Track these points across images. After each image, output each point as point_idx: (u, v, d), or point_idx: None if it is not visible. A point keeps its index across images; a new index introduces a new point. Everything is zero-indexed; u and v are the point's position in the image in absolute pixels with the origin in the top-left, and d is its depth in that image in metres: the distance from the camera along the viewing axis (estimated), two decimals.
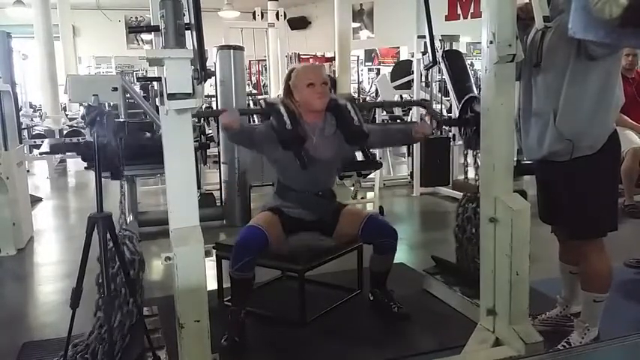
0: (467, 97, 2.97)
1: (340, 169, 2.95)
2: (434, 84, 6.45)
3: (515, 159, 2.92)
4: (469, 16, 10.67)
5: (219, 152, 4.94)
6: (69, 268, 3.72)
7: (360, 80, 15.21)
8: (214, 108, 5.38)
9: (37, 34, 10.91)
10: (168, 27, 1.78)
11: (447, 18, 10.87)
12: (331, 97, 2.71)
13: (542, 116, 2.25)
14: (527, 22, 2.20)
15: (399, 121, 7.93)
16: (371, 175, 5.32)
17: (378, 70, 15.38)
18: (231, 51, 4.78)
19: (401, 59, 12.99)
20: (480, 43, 2.25)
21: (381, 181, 5.98)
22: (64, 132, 8.72)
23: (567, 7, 1.85)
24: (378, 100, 8.22)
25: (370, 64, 16.43)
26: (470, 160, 3.11)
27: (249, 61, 11.25)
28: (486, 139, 2.24)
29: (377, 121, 7.00)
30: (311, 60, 13.63)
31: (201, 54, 1.74)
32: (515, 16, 2.09)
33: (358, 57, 15.16)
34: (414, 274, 3.43)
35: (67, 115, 11.00)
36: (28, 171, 6.13)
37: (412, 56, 6.36)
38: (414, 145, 5.91)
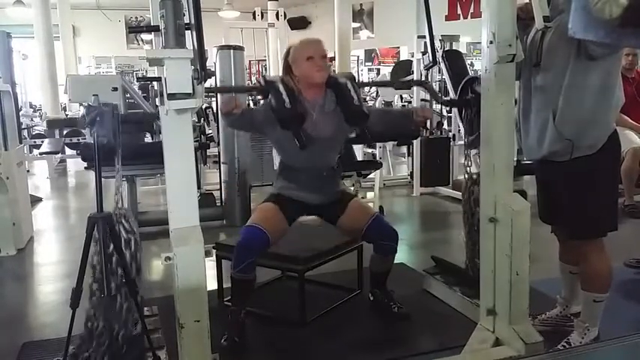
0: (467, 77, 2.91)
1: (342, 149, 2.87)
2: (434, 84, 6.45)
3: (515, 159, 2.91)
4: (469, 16, 10.68)
5: (219, 152, 4.94)
6: (69, 268, 3.72)
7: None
8: (214, 107, 5.37)
9: (37, 34, 10.92)
10: (168, 27, 1.78)
11: (447, 18, 10.89)
12: (331, 74, 2.65)
13: (542, 116, 2.25)
14: (527, 22, 2.20)
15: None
16: (371, 175, 5.32)
17: (378, 70, 15.39)
18: (231, 51, 4.78)
19: (401, 59, 13.00)
20: (479, 43, 2.25)
21: (381, 181, 5.98)
22: (64, 132, 8.74)
23: (567, 7, 1.86)
24: (377, 102, 8.22)
25: (370, 64, 16.44)
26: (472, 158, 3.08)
27: (249, 61, 11.25)
28: (486, 139, 2.24)
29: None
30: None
31: (201, 54, 1.74)
32: (515, 16, 2.09)
33: (358, 57, 15.17)
34: (414, 274, 3.43)
35: (67, 115, 11.00)
36: (28, 171, 6.13)
37: (412, 56, 6.37)
38: (414, 144, 5.92)
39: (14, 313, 3.13)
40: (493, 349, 2.24)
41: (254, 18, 9.28)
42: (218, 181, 5.03)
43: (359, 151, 6.00)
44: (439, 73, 5.78)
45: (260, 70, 12.07)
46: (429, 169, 5.65)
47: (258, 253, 2.53)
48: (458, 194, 3.10)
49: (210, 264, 2.85)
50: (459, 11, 11.02)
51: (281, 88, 2.54)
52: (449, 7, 11.05)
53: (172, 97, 1.77)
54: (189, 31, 1.80)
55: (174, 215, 1.94)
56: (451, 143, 5.71)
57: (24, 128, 8.22)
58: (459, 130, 5.60)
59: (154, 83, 6.40)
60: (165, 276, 3.41)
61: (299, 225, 3.81)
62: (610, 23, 1.50)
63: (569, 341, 2.35)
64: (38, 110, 11.85)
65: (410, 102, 6.51)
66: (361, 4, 14.55)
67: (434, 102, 6.38)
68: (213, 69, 3.98)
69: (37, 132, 9.04)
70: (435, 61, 3.26)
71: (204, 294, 1.89)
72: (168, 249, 1.89)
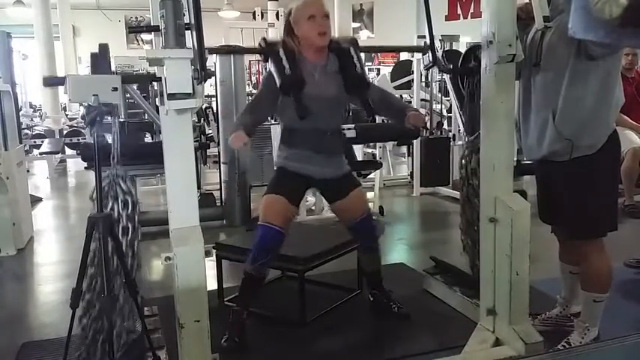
0: (471, 45, 2.86)
1: (345, 110, 2.79)
2: (434, 84, 6.45)
3: (515, 159, 2.91)
4: (469, 16, 10.68)
5: (219, 152, 4.94)
6: (69, 268, 3.72)
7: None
8: (214, 109, 5.37)
9: (37, 34, 10.93)
10: (168, 27, 1.78)
11: (447, 18, 10.89)
12: (334, 38, 2.59)
13: (542, 116, 2.25)
14: (527, 22, 2.20)
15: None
16: (371, 175, 5.32)
17: (378, 70, 15.38)
18: (232, 56, 4.76)
19: (401, 59, 12.99)
20: (480, 43, 2.25)
21: (381, 181, 5.97)
22: (64, 132, 8.74)
23: (567, 7, 1.85)
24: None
25: (370, 64, 16.41)
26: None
27: (249, 61, 11.25)
28: (486, 139, 2.24)
29: (377, 122, 7.00)
30: None
31: (201, 54, 1.74)
32: (515, 16, 2.09)
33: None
34: (414, 274, 3.43)
35: (67, 115, 11.02)
36: (28, 171, 6.13)
37: (412, 56, 6.36)
38: (414, 144, 5.92)
39: (14, 313, 3.13)
40: (493, 349, 2.24)
41: (254, 18, 9.29)
42: (218, 181, 5.03)
43: (359, 151, 6.00)
44: (439, 73, 5.78)
45: (260, 70, 12.07)
46: (429, 169, 5.66)
47: (276, 250, 2.56)
48: (458, 194, 3.11)
49: (210, 264, 2.85)
50: (459, 11, 11.02)
51: (281, 52, 2.48)
52: (449, 7, 11.05)
53: (172, 97, 1.77)
54: (189, 31, 1.80)
55: (174, 215, 1.94)
56: (451, 143, 5.71)
57: (24, 128, 8.22)
58: (459, 130, 5.60)
59: (154, 83, 6.40)
60: (165, 276, 3.41)
61: (299, 225, 3.81)
62: (610, 23, 1.49)
63: (569, 341, 2.35)
64: (38, 110, 11.86)
65: (410, 102, 6.50)
66: (361, 4, 14.55)
67: (434, 102, 6.41)
68: (213, 69, 3.99)
69: (37, 132, 9.04)
70: (435, 61, 3.26)
71: (204, 294, 1.90)
72: (168, 249, 1.89)
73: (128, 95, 5.23)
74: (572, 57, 2.13)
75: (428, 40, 2.75)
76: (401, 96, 7.36)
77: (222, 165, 4.89)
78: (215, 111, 5.25)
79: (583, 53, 2.10)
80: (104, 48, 4.18)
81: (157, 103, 2.26)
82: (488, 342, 2.27)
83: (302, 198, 2.74)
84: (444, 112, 6.83)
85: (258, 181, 4.91)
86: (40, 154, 8.07)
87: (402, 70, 7.38)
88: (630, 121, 4.76)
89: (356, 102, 2.74)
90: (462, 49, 7.17)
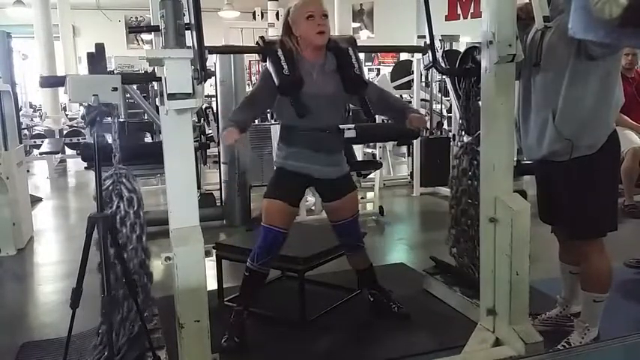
0: (469, 46, 2.88)
1: (343, 110, 2.79)
2: (434, 84, 6.46)
3: (515, 159, 2.91)
4: (469, 16, 10.67)
5: (219, 152, 4.94)
6: (69, 268, 3.72)
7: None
8: (214, 109, 5.37)
9: (37, 34, 10.93)
10: (168, 27, 1.78)
11: (447, 18, 10.88)
12: (332, 37, 2.57)
13: (542, 116, 2.24)
14: (527, 22, 2.20)
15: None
16: (371, 175, 5.32)
17: (378, 70, 15.38)
18: (231, 56, 4.77)
19: (401, 59, 13.00)
20: (480, 43, 2.25)
21: (381, 181, 5.97)
22: (64, 132, 8.75)
23: (567, 7, 1.85)
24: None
25: (370, 64, 16.42)
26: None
27: (249, 61, 11.25)
28: (486, 139, 2.24)
29: (377, 121, 7.00)
30: None
31: (201, 54, 1.74)
32: (515, 16, 2.09)
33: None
34: (414, 274, 3.43)
35: (67, 115, 11.02)
36: (28, 171, 6.13)
37: (412, 56, 6.36)
38: (414, 144, 5.92)
39: (14, 313, 3.13)
40: (493, 349, 2.24)
41: (254, 18, 9.30)
42: (218, 181, 5.03)
43: (359, 151, 6.00)
44: (439, 73, 5.78)
45: (260, 70, 12.07)
46: (429, 169, 5.66)
47: (279, 249, 2.59)
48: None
49: (210, 264, 2.85)
50: (459, 11, 11.01)
51: (279, 52, 2.47)
52: (449, 7, 11.04)
53: (172, 97, 1.77)
54: (189, 31, 1.80)
55: (174, 215, 1.95)
56: (451, 143, 5.71)
57: (24, 128, 8.22)
58: (459, 130, 5.60)
59: (154, 83, 6.40)
60: (165, 276, 3.41)
61: (299, 225, 3.81)
62: (610, 23, 1.49)
63: (569, 341, 2.35)
64: (38, 110, 11.86)
65: (410, 102, 6.50)
66: (361, 4, 14.55)
67: (434, 102, 6.41)
68: (213, 69, 3.98)
69: (37, 132, 9.05)
70: (435, 61, 3.26)
71: (204, 294, 1.90)
72: (169, 249, 1.89)
73: (128, 95, 5.24)
74: (572, 57, 2.13)
75: (428, 40, 2.75)
76: (401, 96, 7.37)
77: (222, 165, 4.89)
78: (215, 111, 5.25)
79: (583, 53, 2.10)
80: (100, 47, 4.18)
81: (157, 103, 2.27)
82: (488, 342, 2.27)
83: (302, 198, 2.76)
84: (444, 112, 6.83)
85: (258, 181, 4.91)
86: (40, 154, 8.07)
87: (402, 70, 7.38)
88: (630, 121, 4.76)
89: (354, 101, 2.74)
90: (462, 49, 7.19)
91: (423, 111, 6.82)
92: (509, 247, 2.14)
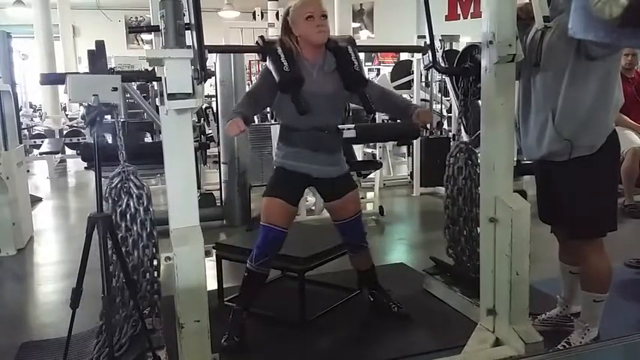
0: (468, 45, 2.86)
1: (343, 109, 2.80)
2: (434, 84, 6.45)
3: (515, 159, 2.91)
4: (469, 16, 10.68)
5: (219, 152, 4.94)
6: (69, 268, 3.72)
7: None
8: (214, 109, 5.37)
9: (37, 34, 10.93)
10: (168, 27, 1.78)
11: (447, 18, 10.89)
12: (331, 37, 2.58)
13: (541, 116, 2.24)
14: (527, 22, 2.20)
15: (399, 120, 7.92)
16: (371, 175, 5.32)
17: (378, 70, 15.37)
18: (231, 55, 4.77)
19: (401, 59, 13.00)
20: (480, 43, 2.25)
21: (381, 181, 5.97)
22: (64, 132, 8.75)
23: (567, 7, 1.85)
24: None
25: (370, 64, 16.41)
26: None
27: (249, 61, 11.24)
28: (486, 139, 2.24)
29: (377, 121, 7.01)
30: None
31: (201, 54, 1.74)
32: (516, 16, 2.09)
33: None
34: (414, 274, 3.43)
35: (67, 115, 11.02)
36: (28, 171, 6.13)
37: (412, 56, 6.36)
38: (414, 144, 5.92)
39: (14, 313, 3.13)
40: (493, 349, 2.24)
41: (254, 18, 9.30)
42: (218, 181, 5.03)
43: (359, 151, 6.00)
44: (439, 73, 5.77)
45: (260, 70, 12.07)
46: (429, 169, 5.66)
47: (278, 249, 2.59)
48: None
49: (210, 264, 2.85)
50: (459, 11, 11.03)
51: (279, 50, 2.48)
52: (449, 7, 11.06)
53: (172, 97, 1.77)
54: (189, 31, 1.80)
55: (174, 215, 1.95)
56: (451, 143, 5.71)
57: (24, 128, 8.23)
58: (459, 130, 5.60)
59: (154, 83, 6.40)
60: (165, 276, 3.41)
61: (299, 225, 3.81)
62: (610, 23, 1.49)
63: (569, 341, 2.34)
64: (38, 110, 11.86)
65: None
66: (361, 4, 14.55)
67: (434, 102, 6.41)
68: (213, 69, 3.98)
69: (37, 132, 9.05)
70: (435, 61, 3.26)
71: (204, 294, 1.90)
72: (169, 249, 1.89)
73: (128, 95, 5.24)
74: (571, 57, 2.13)
75: (428, 40, 2.75)
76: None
77: (222, 165, 4.89)
78: (215, 111, 5.25)
79: (583, 53, 2.10)
80: (101, 45, 4.17)
81: (157, 103, 2.27)
82: (488, 342, 2.27)
83: (301, 197, 2.76)
84: (444, 112, 6.83)
85: (258, 181, 4.91)
86: (40, 154, 8.07)
87: (402, 70, 7.38)
88: (630, 121, 4.76)
89: (355, 99, 2.74)
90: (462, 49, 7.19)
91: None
92: (509, 247, 2.14)
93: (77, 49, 14.88)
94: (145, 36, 13.69)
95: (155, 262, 2.35)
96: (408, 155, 6.57)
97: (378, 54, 15.79)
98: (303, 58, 2.52)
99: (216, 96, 4.98)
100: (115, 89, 1.96)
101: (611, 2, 1.45)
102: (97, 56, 4.04)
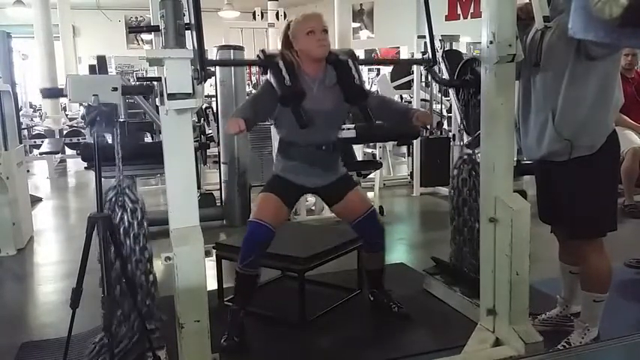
0: (467, 58, 2.89)
1: (342, 123, 2.83)
2: (434, 84, 6.45)
3: (515, 159, 2.91)
4: (469, 16, 10.68)
5: (219, 152, 4.94)
6: (69, 268, 3.72)
7: (363, 81, 15.19)
8: (214, 109, 5.38)
9: (37, 34, 10.93)
10: (168, 27, 1.78)
11: (447, 18, 10.89)
12: (332, 50, 2.61)
13: (541, 116, 2.24)
14: (527, 22, 2.20)
15: None
16: (371, 175, 5.32)
17: (378, 70, 15.38)
18: (231, 51, 4.78)
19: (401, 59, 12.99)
20: (479, 43, 2.25)
21: (381, 181, 5.97)
22: (64, 132, 8.75)
23: (567, 7, 1.85)
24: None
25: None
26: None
27: None
28: (486, 139, 2.24)
29: (377, 121, 7.01)
30: None
31: (201, 54, 1.74)
32: (516, 16, 2.09)
33: (358, 57, 15.13)
34: (414, 274, 3.43)
35: (67, 115, 11.02)
36: (28, 171, 6.13)
37: (412, 56, 6.36)
38: (414, 144, 5.92)
39: (14, 313, 3.13)
40: (493, 349, 2.24)
41: (254, 18, 9.30)
42: (218, 181, 5.03)
43: (359, 151, 6.00)
44: (439, 73, 5.77)
45: (260, 70, 12.05)
46: (429, 169, 5.66)
47: (264, 247, 2.56)
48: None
49: (210, 264, 2.85)
50: (459, 11, 11.02)
51: (281, 64, 2.50)
52: (449, 7, 11.05)
53: (172, 97, 1.77)
54: (189, 31, 1.81)
55: (174, 215, 1.95)
56: (451, 143, 5.71)
57: (24, 128, 8.22)
58: (459, 130, 5.60)
59: (154, 83, 6.40)
60: (165, 276, 3.41)
61: (299, 225, 3.81)
62: (610, 23, 1.49)
63: (569, 341, 2.34)
64: (38, 110, 11.86)
65: (410, 102, 6.50)
66: (361, 4, 14.54)
67: (434, 102, 6.41)
68: (213, 69, 3.98)
69: (37, 132, 9.04)
70: (435, 61, 3.26)
71: (204, 294, 1.90)
72: (168, 249, 1.89)
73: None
74: (571, 57, 2.13)
75: (428, 40, 2.75)
76: (401, 96, 7.37)
77: (222, 165, 4.89)
78: (215, 111, 5.25)
79: (583, 53, 2.10)
80: (102, 60, 4.19)
81: (157, 103, 2.27)
82: (488, 342, 2.27)
83: (295, 202, 2.78)
84: (444, 112, 6.83)
85: (258, 181, 4.91)
86: (40, 154, 8.06)
87: (402, 70, 7.38)
88: (630, 121, 4.76)
89: (356, 111, 2.76)
90: (462, 49, 7.19)
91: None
92: (509, 247, 2.14)
93: (77, 49, 14.89)
94: (145, 36, 13.70)
95: (151, 278, 2.31)
96: (408, 155, 6.57)
97: (378, 54, 15.79)
98: (303, 72, 2.55)
99: (216, 96, 4.98)
100: (115, 89, 1.96)
101: (611, 2, 1.45)
102: (100, 72, 4.06)
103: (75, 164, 8.40)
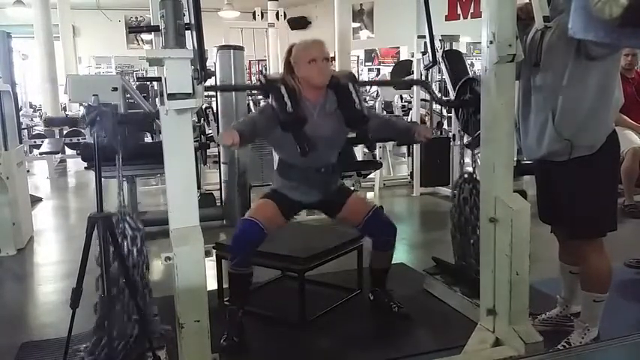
0: (465, 78, 2.90)
1: (342, 146, 2.88)
2: (434, 84, 6.45)
3: (515, 159, 2.91)
4: (469, 16, 10.68)
5: (219, 152, 4.94)
6: (69, 268, 3.72)
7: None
8: (214, 108, 5.38)
9: (37, 34, 10.92)
10: (168, 27, 1.78)
11: (447, 18, 10.89)
12: (333, 74, 2.64)
13: (541, 116, 2.25)
14: (527, 22, 2.20)
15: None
16: (371, 175, 5.32)
17: (378, 70, 15.38)
18: (231, 51, 4.77)
19: (401, 59, 13.00)
20: (479, 43, 2.25)
21: (381, 181, 5.98)
22: (64, 132, 8.74)
23: (567, 7, 1.85)
24: (377, 102, 8.22)
25: (370, 64, 16.44)
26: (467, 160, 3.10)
27: (249, 61, 11.24)
28: (486, 139, 2.24)
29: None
30: None
31: (201, 54, 1.74)
32: (516, 16, 2.09)
33: (358, 57, 15.17)
34: (414, 274, 3.43)
35: (67, 115, 11.01)
36: (28, 171, 6.13)
37: (412, 56, 6.36)
38: (414, 144, 5.92)
39: (14, 313, 3.13)
40: (493, 349, 2.24)
41: (254, 18, 9.28)
42: (218, 181, 5.03)
43: (359, 151, 6.01)
44: (439, 73, 5.77)
45: (260, 70, 12.05)
46: (429, 169, 5.66)
47: (254, 246, 2.55)
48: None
49: (210, 264, 2.85)
50: (459, 11, 11.02)
51: (282, 89, 2.54)
52: (449, 7, 11.06)
53: (172, 97, 1.77)
54: (189, 31, 1.80)
55: (174, 215, 1.94)
56: (451, 143, 5.71)
57: (24, 128, 8.22)
58: (459, 130, 5.60)
59: (154, 83, 6.40)
60: (165, 276, 3.41)
61: (299, 225, 3.81)
62: (610, 23, 1.50)
63: (569, 341, 2.35)
64: (38, 110, 11.86)
65: (410, 102, 6.51)
66: (361, 4, 14.54)
67: (434, 102, 6.40)
68: (213, 69, 3.98)
69: (37, 132, 9.04)
70: (434, 61, 3.26)
71: (204, 294, 1.90)
72: (168, 249, 1.89)
73: (128, 95, 5.23)
74: (571, 57, 2.13)
75: (428, 40, 2.76)
76: (401, 96, 7.38)
77: (222, 165, 4.89)
78: (215, 111, 5.25)
79: (583, 53, 2.10)
80: None
81: (157, 103, 2.27)
82: (488, 342, 2.26)
83: (292, 216, 2.81)
84: (444, 112, 6.83)
85: (258, 181, 4.91)
86: (40, 154, 8.06)
87: (402, 70, 7.39)
88: (630, 121, 4.76)
89: (356, 134, 2.84)
90: (462, 49, 7.19)
91: (423, 111, 6.84)
92: (509, 247, 2.14)
93: (77, 49, 14.88)
94: (145, 36, 13.71)
95: (148, 303, 2.30)
96: (408, 155, 6.56)
97: (378, 54, 15.80)
98: (305, 98, 2.58)
99: (216, 96, 4.98)
100: (115, 89, 1.97)
101: (611, 2, 1.45)
102: None
103: (75, 164, 8.39)
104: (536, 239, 2.28)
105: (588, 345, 2.26)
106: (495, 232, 2.20)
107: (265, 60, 9.99)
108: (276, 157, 2.88)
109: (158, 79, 2.11)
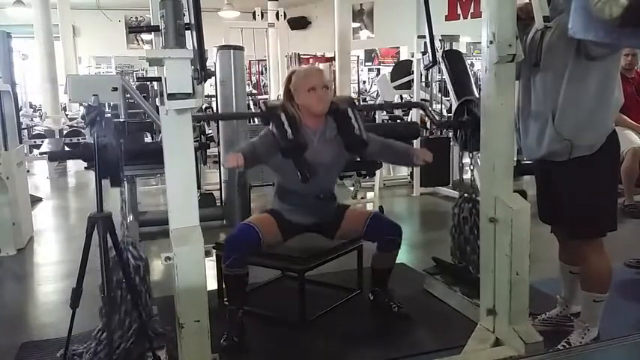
0: (463, 99, 2.92)
1: (341, 171, 2.91)
2: (434, 84, 6.45)
3: (515, 159, 2.92)
4: (469, 16, 10.67)
5: (219, 152, 4.93)
6: (69, 268, 3.72)
7: (363, 81, 15.22)
8: (214, 108, 5.38)
9: (37, 34, 10.91)
10: (168, 27, 1.78)
11: (447, 18, 10.87)
12: (332, 100, 2.68)
13: (541, 116, 2.25)
14: (527, 22, 2.20)
15: (399, 120, 7.93)
16: None
17: (378, 70, 15.38)
18: (231, 51, 4.77)
19: (401, 59, 13.00)
20: (479, 43, 2.25)
21: (381, 181, 5.97)
22: (64, 132, 8.74)
23: (567, 7, 1.86)
24: (378, 102, 8.23)
25: (370, 64, 16.45)
26: (466, 160, 3.09)
27: (249, 61, 11.26)
28: (486, 139, 2.24)
29: (377, 121, 7.01)
30: (311, 60, 13.63)
31: (201, 54, 1.74)
32: (516, 16, 2.09)
33: (358, 57, 15.18)
34: (415, 274, 3.43)
35: (67, 115, 11.02)
36: (28, 171, 6.13)
37: (412, 56, 6.36)
38: (414, 145, 5.90)
39: (14, 313, 3.13)
40: (493, 349, 2.24)
41: (254, 18, 9.30)
42: (218, 181, 5.03)
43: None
44: (439, 73, 5.77)
45: (260, 70, 12.05)
46: (429, 169, 5.65)
47: (246, 249, 2.56)
48: (457, 194, 3.12)
49: (210, 264, 2.85)
50: (459, 11, 11.01)
51: (283, 117, 2.57)
52: (449, 7, 11.04)
53: (172, 97, 1.77)
54: (189, 31, 1.80)
55: (174, 215, 1.94)
56: (451, 143, 5.71)
57: (24, 128, 8.21)
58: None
59: (154, 83, 6.39)
60: (165, 276, 3.41)
61: None
62: (610, 23, 1.50)
63: (569, 341, 2.35)
64: (38, 110, 11.86)
65: (408, 102, 6.49)
66: (361, 4, 14.54)
67: (434, 102, 6.40)
68: (213, 69, 3.98)
69: (37, 132, 9.04)
70: (434, 61, 3.26)
71: (204, 294, 1.90)
72: (168, 249, 1.89)
73: (128, 95, 5.23)
74: (571, 57, 2.13)
75: (428, 40, 2.76)
76: (401, 96, 7.37)
77: (222, 165, 4.89)
78: (215, 111, 5.25)
79: (583, 53, 2.10)
80: None
81: (157, 103, 2.27)
82: (488, 342, 2.26)
83: (289, 237, 2.77)
84: (444, 112, 6.83)
85: (258, 181, 4.89)
86: (40, 154, 8.05)
87: (402, 70, 7.37)
88: (630, 121, 4.76)
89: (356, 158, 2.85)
90: (462, 49, 7.18)
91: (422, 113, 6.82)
92: (509, 247, 2.14)
93: (77, 49, 14.88)
94: (145, 36, 13.70)
95: (152, 330, 2.28)
96: None
97: (378, 54, 15.80)
98: (304, 125, 2.62)
99: (216, 96, 4.97)
100: (115, 89, 1.97)
101: (611, 2, 1.46)
102: None
103: (75, 164, 8.39)
104: (536, 239, 2.28)
105: (588, 345, 2.26)
106: (495, 232, 2.20)
107: (265, 60, 10.01)
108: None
109: (158, 79, 2.11)
